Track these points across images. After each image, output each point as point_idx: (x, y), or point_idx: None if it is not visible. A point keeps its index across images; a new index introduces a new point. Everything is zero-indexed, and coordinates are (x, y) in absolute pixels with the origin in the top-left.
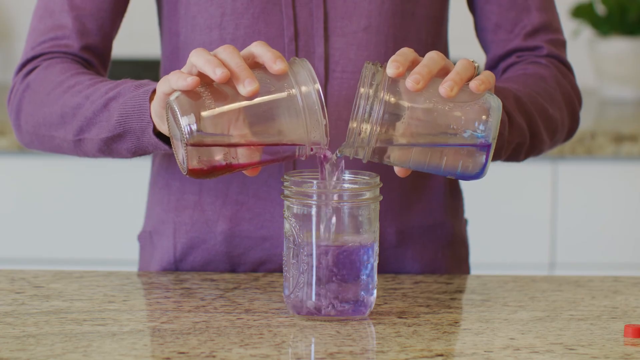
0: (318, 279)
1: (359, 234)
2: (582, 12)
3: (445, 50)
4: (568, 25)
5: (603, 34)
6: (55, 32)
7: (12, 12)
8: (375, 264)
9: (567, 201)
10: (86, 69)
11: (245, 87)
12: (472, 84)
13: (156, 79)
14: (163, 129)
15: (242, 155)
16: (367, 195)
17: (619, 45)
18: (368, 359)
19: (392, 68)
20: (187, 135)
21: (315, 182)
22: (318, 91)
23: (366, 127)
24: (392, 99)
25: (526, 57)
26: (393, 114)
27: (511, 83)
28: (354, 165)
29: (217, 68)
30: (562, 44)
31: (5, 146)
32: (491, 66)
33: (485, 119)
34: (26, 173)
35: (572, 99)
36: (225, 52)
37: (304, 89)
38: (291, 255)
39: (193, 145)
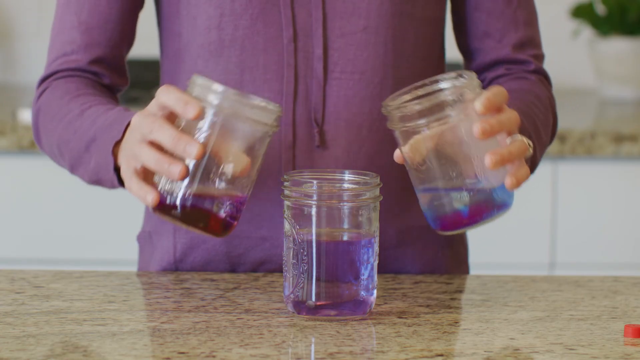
0: (318, 279)
1: (359, 234)
2: (582, 12)
3: (442, 51)
4: (568, 25)
5: (603, 34)
6: (65, 48)
7: (12, 12)
8: (375, 264)
9: (567, 201)
10: (89, 85)
11: (191, 154)
12: (508, 182)
13: (156, 79)
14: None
15: (238, 187)
16: (367, 195)
17: (619, 45)
18: (368, 359)
19: (481, 124)
20: (182, 217)
21: (315, 182)
22: (233, 93)
23: (417, 119)
24: (454, 120)
25: (515, 71)
26: (442, 128)
27: (517, 101)
28: (354, 165)
29: (171, 168)
30: (542, 58)
31: (5, 146)
32: (477, 72)
33: (492, 205)
34: (26, 173)
35: (555, 119)
36: (157, 131)
37: (225, 104)
38: (291, 255)
39: (191, 222)
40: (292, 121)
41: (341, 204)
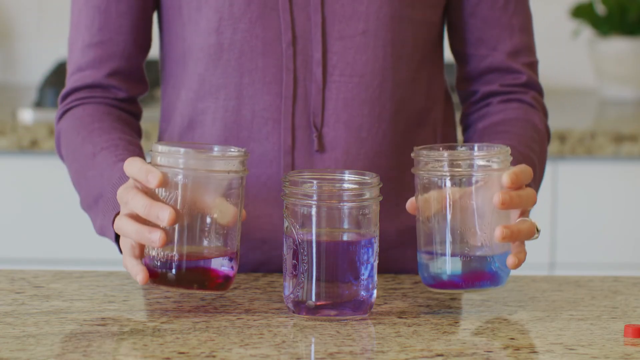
0: (318, 279)
1: (359, 234)
2: (582, 12)
3: (440, 54)
4: (568, 25)
5: (603, 34)
6: (79, 62)
7: (12, 12)
8: (376, 264)
9: (567, 201)
10: (104, 114)
11: (164, 219)
12: (510, 260)
13: (157, 79)
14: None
15: (229, 236)
16: (367, 195)
17: (619, 45)
18: (368, 359)
19: (502, 194)
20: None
21: (315, 182)
22: (194, 152)
23: (442, 171)
24: (475, 183)
25: (508, 89)
26: (461, 189)
27: (515, 141)
28: (354, 167)
29: (151, 235)
30: (536, 65)
31: (5, 146)
32: (469, 78)
33: (487, 276)
34: (26, 173)
35: (549, 139)
36: (132, 201)
37: (189, 164)
38: (291, 255)
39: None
40: (291, 125)
41: (341, 204)
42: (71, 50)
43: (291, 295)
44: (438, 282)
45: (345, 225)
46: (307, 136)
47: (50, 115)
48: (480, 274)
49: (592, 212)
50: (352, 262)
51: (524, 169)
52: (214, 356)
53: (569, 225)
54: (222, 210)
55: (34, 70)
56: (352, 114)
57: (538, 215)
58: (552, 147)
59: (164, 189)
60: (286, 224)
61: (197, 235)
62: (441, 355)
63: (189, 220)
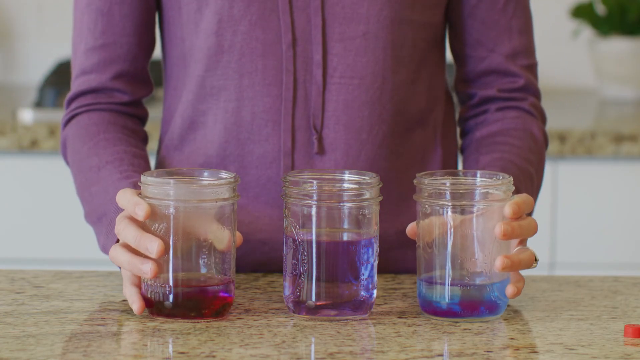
0: (318, 279)
1: (359, 234)
2: (582, 12)
3: (442, 55)
4: (568, 25)
5: (603, 34)
6: (84, 65)
7: (12, 12)
8: (376, 264)
9: (567, 201)
10: (110, 124)
11: (152, 252)
12: (510, 290)
13: (158, 80)
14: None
15: (226, 262)
16: (367, 195)
17: (619, 45)
18: (368, 359)
19: (504, 225)
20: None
21: (315, 182)
22: (184, 182)
23: (443, 199)
24: (476, 212)
25: (507, 97)
26: (462, 217)
27: (514, 154)
28: (353, 165)
29: (142, 267)
30: (535, 67)
31: (5, 146)
32: (467, 80)
33: (486, 305)
34: (26, 173)
35: (547, 145)
36: (123, 232)
37: (180, 194)
38: (291, 255)
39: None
40: (292, 127)
41: (341, 204)
42: (75, 53)
43: (291, 295)
44: (437, 310)
45: (345, 225)
46: (307, 138)
47: (51, 115)
48: (479, 303)
49: (592, 212)
50: (352, 262)
51: (525, 199)
52: (214, 356)
53: (569, 225)
54: (216, 237)
55: (34, 70)
56: (352, 116)
57: (538, 215)
58: (552, 147)
59: (156, 219)
60: (286, 224)
61: (192, 263)
62: (441, 355)
63: (183, 250)
